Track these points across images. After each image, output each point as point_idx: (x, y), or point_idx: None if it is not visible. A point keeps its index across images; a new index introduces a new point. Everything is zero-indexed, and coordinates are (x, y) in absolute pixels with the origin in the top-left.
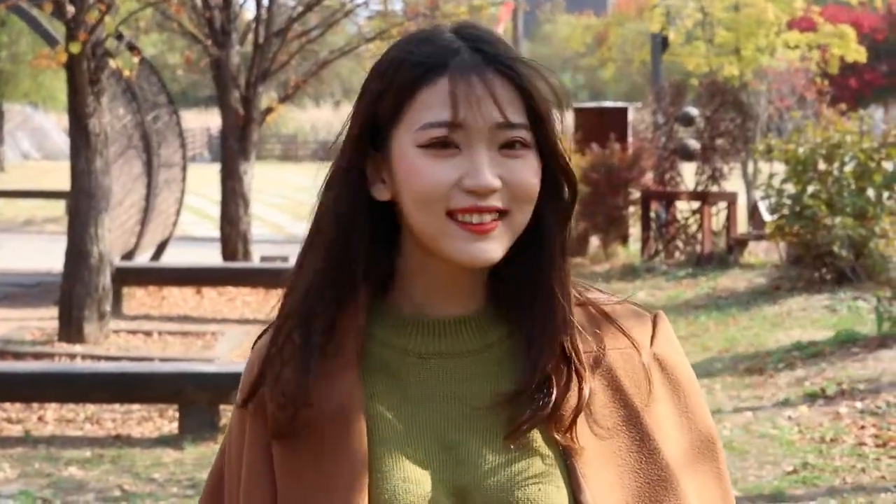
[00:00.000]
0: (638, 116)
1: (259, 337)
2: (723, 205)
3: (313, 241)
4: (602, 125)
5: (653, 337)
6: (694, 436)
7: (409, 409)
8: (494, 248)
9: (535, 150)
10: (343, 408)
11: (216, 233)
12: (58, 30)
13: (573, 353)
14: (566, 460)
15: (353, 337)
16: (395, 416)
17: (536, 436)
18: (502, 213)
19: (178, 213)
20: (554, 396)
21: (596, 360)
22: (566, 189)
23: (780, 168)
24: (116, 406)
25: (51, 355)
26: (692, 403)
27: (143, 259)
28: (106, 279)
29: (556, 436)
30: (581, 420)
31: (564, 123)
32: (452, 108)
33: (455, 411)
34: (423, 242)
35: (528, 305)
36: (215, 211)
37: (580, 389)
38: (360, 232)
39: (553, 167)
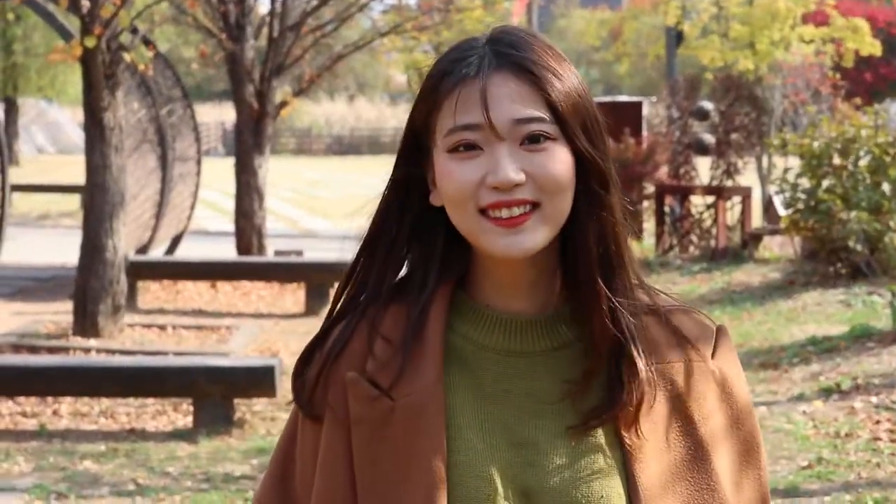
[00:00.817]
0: (652, 111)
1: (323, 333)
2: (737, 199)
3: (375, 240)
4: (616, 120)
5: (714, 350)
6: (742, 447)
7: (484, 404)
8: (528, 239)
9: (563, 142)
10: (424, 399)
11: (231, 227)
12: (73, 24)
13: (634, 350)
14: (625, 463)
15: (436, 330)
16: (472, 410)
17: (600, 437)
18: (535, 206)
19: (192, 207)
20: (618, 394)
21: (660, 370)
22: (594, 178)
23: (795, 162)
24: (131, 400)
25: (65, 349)
26: (744, 418)
27: (157, 253)
28: (121, 273)
29: (622, 432)
30: (643, 425)
31: (594, 114)
32: (469, 111)
33: (527, 409)
34: (470, 242)
35: (583, 303)
36: (230, 205)
37: (640, 388)
38: (421, 236)
39: (581, 157)
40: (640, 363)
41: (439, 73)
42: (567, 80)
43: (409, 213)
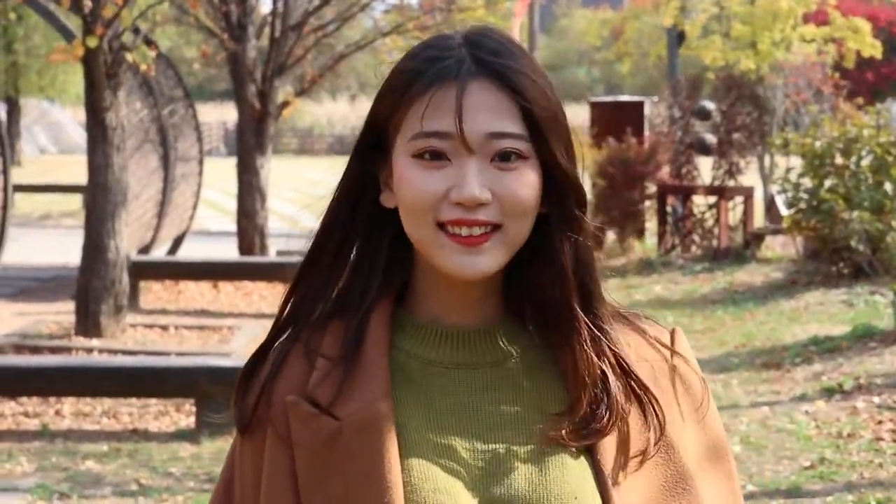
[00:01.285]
0: (654, 110)
1: (263, 349)
2: (739, 199)
3: (323, 245)
4: (618, 119)
5: (672, 349)
6: (708, 440)
7: (436, 419)
8: (486, 261)
9: (534, 161)
10: (373, 416)
11: (233, 227)
12: (74, 24)
13: (612, 375)
14: (594, 463)
15: (379, 345)
16: (423, 426)
17: (565, 446)
18: (495, 227)
19: (194, 207)
20: (594, 415)
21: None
22: (572, 200)
23: (797, 162)
24: (133, 400)
25: (67, 349)
26: (706, 411)
27: (159, 253)
28: (122, 273)
29: (594, 448)
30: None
31: (569, 131)
32: (442, 116)
33: (482, 421)
34: (419, 251)
35: (551, 322)
36: (232, 205)
37: (617, 412)
38: (369, 239)
39: (557, 177)
40: (618, 393)
41: (412, 71)
42: (548, 94)
43: (360, 215)
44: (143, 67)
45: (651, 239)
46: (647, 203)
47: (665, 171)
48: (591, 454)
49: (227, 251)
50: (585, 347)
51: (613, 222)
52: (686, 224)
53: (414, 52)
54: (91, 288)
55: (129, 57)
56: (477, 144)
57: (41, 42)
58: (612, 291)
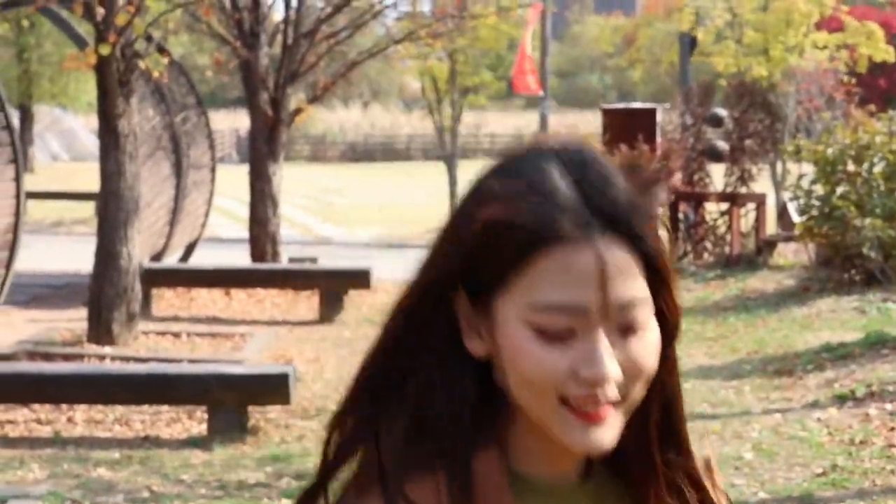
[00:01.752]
0: (666, 117)
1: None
2: (751, 206)
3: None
4: (630, 126)
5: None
6: None
7: None
8: (609, 435)
9: (654, 321)
10: None
11: (245, 234)
12: (87, 31)
13: None
14: None
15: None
16: None
17: None
18: (620, 399)
19: (206, 214)
20: None
21: None
22: (672, 336)
23: (809, 169)
24: (145, 407)
25: (80, 356)
26: None
27: (171, 260)
28: (135, 280)
29: None
30: None
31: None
32: (573, 287)
33: None
34: (533, 417)
35: (636, 474)
36: (244, 212)
37: None
38: (447, 378)
39: (665, 318)
40: None
41: (532, 222)
42: (652, 228)
43: (429, 356)
44: (156, 75)
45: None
46: (659, 210)
47: (677, 178)
48: None
49: (240, 258)
50: (663, 492)
51: None
52: (698, 231)
53: (514, 196)
54: (103, 295)
55: (142, 64)
56: (607, 316)
57: (53, 49)
58: None
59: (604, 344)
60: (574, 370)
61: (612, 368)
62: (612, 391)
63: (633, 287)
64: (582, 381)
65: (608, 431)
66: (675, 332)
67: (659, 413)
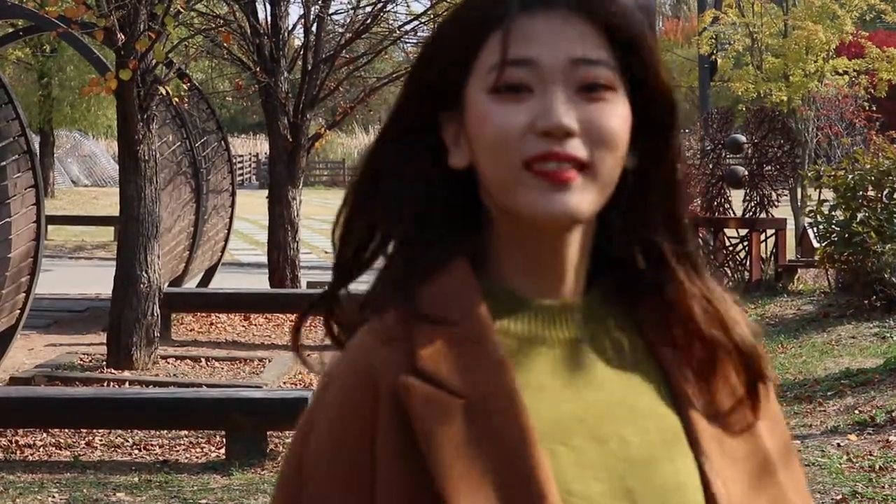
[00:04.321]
0: (685, 143)
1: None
2: (771, 231)
3: (367, 192)
4: None
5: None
6: (778, 435)
7: (549, 400)
8: (576, 200)
9: (622, 94)
10: (502, 393)
11: (264, 259)
12: (108, 57)
13: (726, 343)
14: (694, 449)
15: (478, 310)
16: (539, 408)
17: (679, 429)
18: (583, 165)
19: (226, 239)
20: (716, 394)
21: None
22: (669, 124)
23: (829, 195)
24: (164, 432)
25: (99, 381)
26: (775, 408)
27: (191, 285)
28: (154, 305)
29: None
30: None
31: (659, 57)
32: (522, 44)
33: (596, 403)
34: (501, 203)
35: (652, 288)
36: (263, 237)
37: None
38: (432, 196)
39: (653, 99)
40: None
41: (482, 4)
42: (634, 15)
43: (425, 180)
44: (176, 100)
45: None
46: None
47: (696, 204)
48: (692, 445)
49: (259, 283)
50: (691, 291)
51: None
52: (717, 257)
53: None
54: (123, 319)
55: (162, 90)
56: (561, 72)
57: (75, 74)
58: None
59: (559, 97)
60: (532, 124)
61: (567, 119)
62: (573, 147)
63: (589, 48)
64: (540, 134)
65: (574, 196)
66: (668, 111)
67: (663, 206)
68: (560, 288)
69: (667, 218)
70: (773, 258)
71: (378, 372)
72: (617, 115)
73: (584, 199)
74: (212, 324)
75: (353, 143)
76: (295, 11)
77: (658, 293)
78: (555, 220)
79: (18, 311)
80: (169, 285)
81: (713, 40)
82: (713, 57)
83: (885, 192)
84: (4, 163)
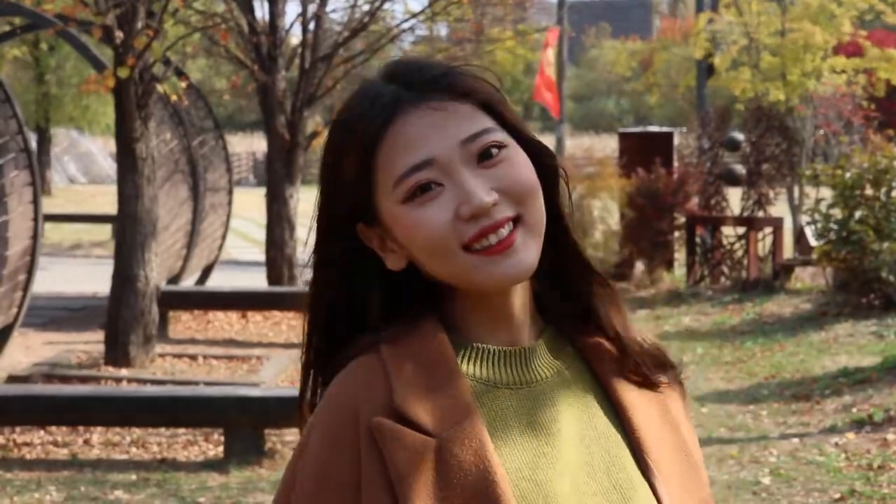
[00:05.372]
0: (683, 141)
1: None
2: (769, 230)
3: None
4: (647, 150)
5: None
6: (691, 441)
7: (515, 440)
8: (523, 258)
9: (514, 144)
10: (469, 433)
11: (261, 257)
12: (106, 55)
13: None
14: (649, 477)
15: (449, 361)
16: (506, 448)
17: (627, 455)
18: (516, 220)
19: (223, 237)
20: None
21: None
22: (546, 161)
23: (826, 193)
24: (162, 430)
25: (97, 379)
26: (688, 411)
27: (188, 283)
28: (152, 303)
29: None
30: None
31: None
32: (411, 150)
33: (557, 439)
34: (455, 283)
35: (581, 325)
36: (261, 235)
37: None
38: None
39: (532, 155)
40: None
41: (359, 129)
42: (482, 81)
43: (362, 287)
44: (174, 98)
45: (680, 270)
46: (676, 234)
47: (694, 202)
48: (643, 469)
49: (256, 281)
50: (625, 319)
51: (642, 253)
52: (715, 255)
53: (345, 115)
54: (120, 318)
55: (160, 88)
56: (457, 157)
57: (72, 72)
58: (641, 322)
59: (466, 178)
60: (457, 214)
61: (485, 195)
62: (500, 212)
63: (471, 124)
64: (468, 219)
65: (521, 253)
66: (548, 167)
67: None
68: (516, 335)
69: (578, 257)
70: (770, 257)
71: (361, 412)
72: (520, 164)
73: (529, 251)
74: (209, 322)
75: None
76: (293, 10)
77: (590, 325)
78: (513, 281)
79: (16, 310)
80: (166, 283)
81: (708, 42)
82: (709, 59)
83: (883, 191)
84: (2, 161)
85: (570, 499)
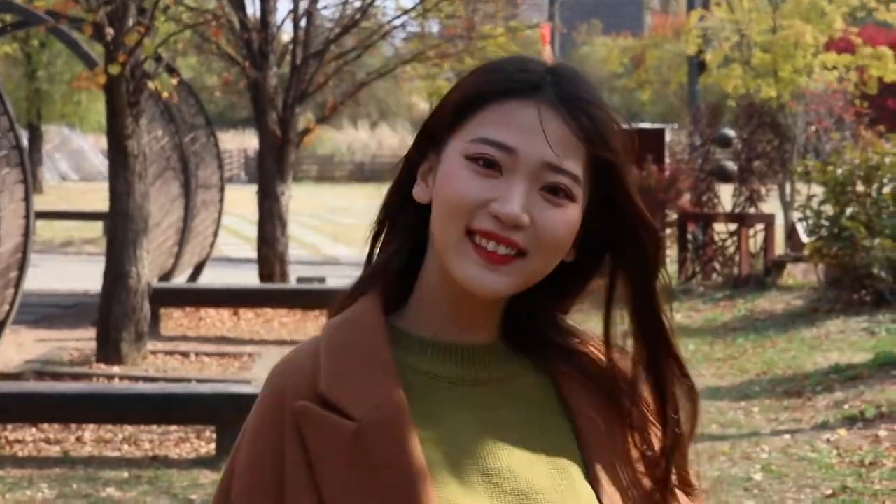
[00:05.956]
0: (675, 138)
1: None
2: (760, 226)
3: (374, 231)
4: (639, 146)
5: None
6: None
7: (450, 435)
8: (502, 282)
9: (579, 207)
10: (391, 418)
11: (253, 254)
12: (97, 52)
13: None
14: (596, 486)
15: (383, 350)
16: (434, 440)
17: (570, 461)
18: (521, 253)
19: (215, 234)
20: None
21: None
22: (644, 242)
23: (818, 190)
24: (154, 427)
25: (88, 376)
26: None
27: (180, 280)
28: (144, 300)
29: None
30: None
31: (633, 174)
32: (510, 131)
33: (494, 439)
34: (439, 254)
35: (541, 345)
36: (252, 232)
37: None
38: (398, 230)
39: (624, 219)
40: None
41: (496, 79)
42: (616, 139)
43: (394, 199)
44: (165, 95)
45: (671, 266)
46: (668, 230)
47: (685, 199)
48: (591, 480)
49: (248, 278)
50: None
51: None
52: (707, 251)
53: (500, 61)
54: (112, 315)
55: (151, 84)
56: (532, 168)
57: (64, 69)
58: None
59: (521, 189)
60: (489, 202)
61: (520, 213)
62: (516, 236)
63: (565, 158)
64: (492, 214)
65: (502, 279)
66: (648, 248)
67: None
68: (471, 332)
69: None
70: (762, 253)
71: (287, 396)
72: (566, 223)
73: (510, 282)
74: (201, 319)
75: (342, 138)
76: (284, 6)
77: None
78: (477, 293)
79: (7, 307)
80: (158, 280)
81: (700, 39)
82: (701, 56)
83: (874, 187)
84: None
85: (495, 497)
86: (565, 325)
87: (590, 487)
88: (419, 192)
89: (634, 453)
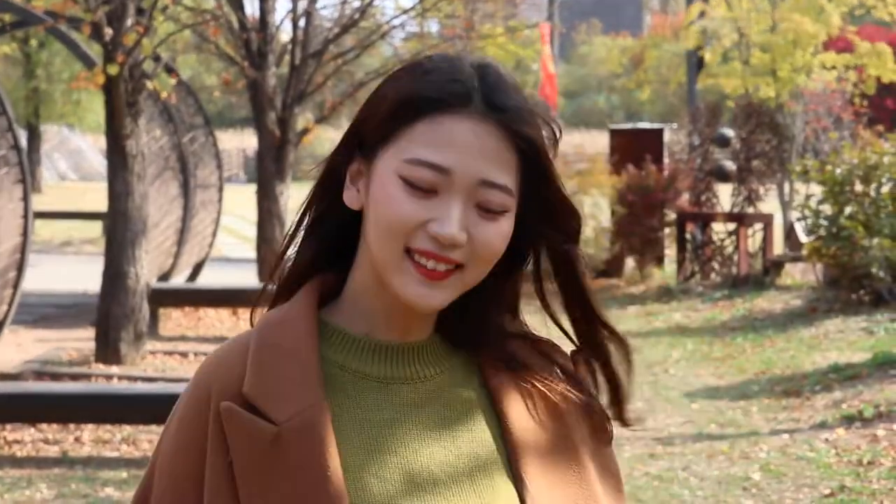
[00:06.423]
0: (674, 138)
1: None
2: (759, 226)
3: (294, 228)
4: (638, 146)
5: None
6: (608, 468)
7: (373, 434)
8: (441, 297)
9: (512, 214)
10: (311, 424)
11: (252, 254)
12: (95, 52)
13: (532, 389)
14: (519, 487)
15: (309, 349)
16: (358, 440)
17: (495, 461)
18: (458, 266)
19: (214, 234)
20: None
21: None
22: (568, 218)
23: (816, 189)
24: (153, 427)
25: (87, 376)
26: (608, 438)
27: (179, 280)
28: (142, 300)
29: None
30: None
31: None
32: (445, 152)
33: (418, 438)
34: (376, 265)
35: (481, 342)
36: (251, 232)
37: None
38: (324, 233)
39: (550, 205)
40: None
41: (427, 88)
42: (543, 137)
43: (322, 204)
44: (164, 95)
45: (670, 266)
46: (667, 230)
47: (684, 199)
48: (515, 478)
49: (247, 278)
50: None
51: (633, 249)
52: (705, 251)
53: (428, 66)
54: (111, 315)
55: (150, 84)
56: (467, 186)
57: (62, 69)
58: (632, 319)
59: (458, 209)
60: (426, 224)
61: (458, 233)
62: (455, 252)
63: (499, 173)
64: (430, 236)
65: (440, 293)
66: (573, 231)
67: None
68: (404, 332)
69: (511, 297)
70: (760, 253)
71: (214, 394)
72: (501, 235)
73: (449, 295)
74: (200, 319)
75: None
76: (283, 6)
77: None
78: (416, 307)
79: (6, 307)
80: (157, 281)
81: (700, 34)
82: (700, 52)
83: (872, 187)
84: None
85: (415, 497)
86: (514, 327)
87: (511, 486)
88: (350, 198)
89: (574, 438)
